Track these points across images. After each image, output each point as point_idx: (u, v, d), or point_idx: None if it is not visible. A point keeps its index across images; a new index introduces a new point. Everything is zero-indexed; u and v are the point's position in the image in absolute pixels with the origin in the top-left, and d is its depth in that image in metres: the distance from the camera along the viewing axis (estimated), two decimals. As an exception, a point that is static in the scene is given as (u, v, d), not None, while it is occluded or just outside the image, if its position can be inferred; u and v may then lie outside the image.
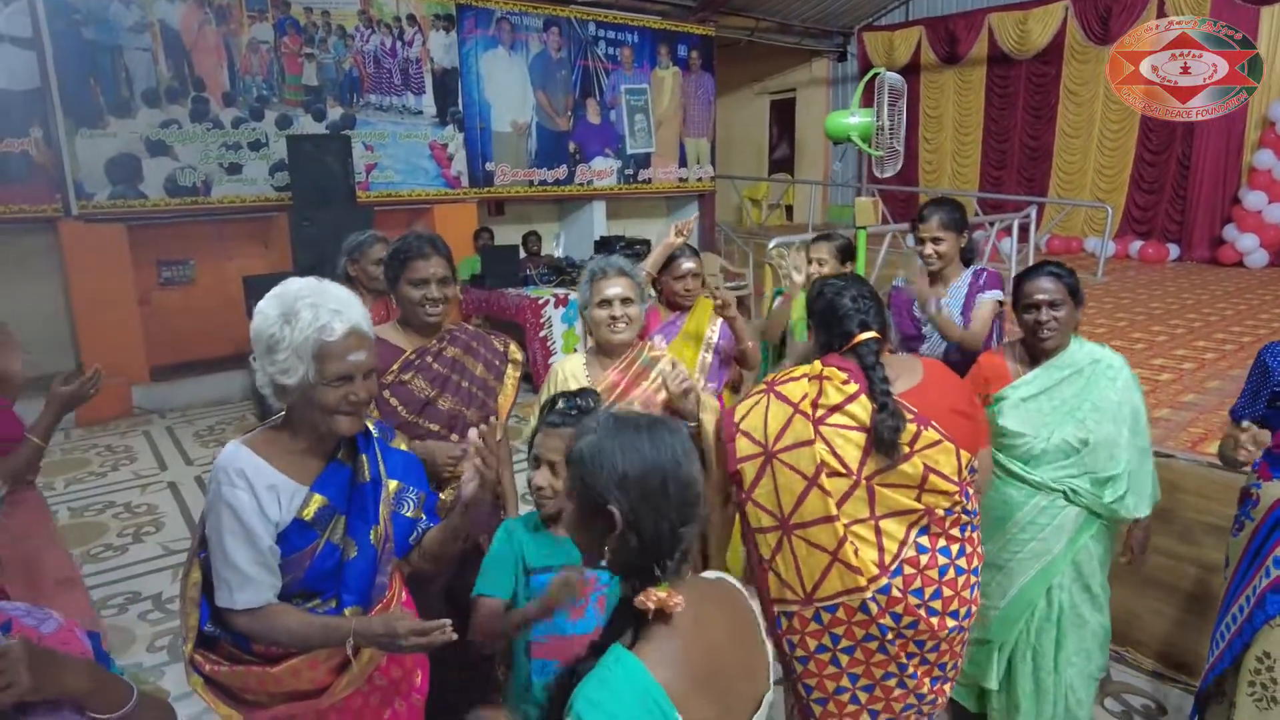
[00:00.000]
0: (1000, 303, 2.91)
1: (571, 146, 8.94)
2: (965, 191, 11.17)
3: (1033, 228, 7.96)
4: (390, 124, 7.64)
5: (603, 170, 9.27)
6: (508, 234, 8.52)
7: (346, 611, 1.53)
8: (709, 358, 2.84)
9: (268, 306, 1.42)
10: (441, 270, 2.16)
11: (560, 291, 6.65)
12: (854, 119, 4.30)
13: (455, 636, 1.37)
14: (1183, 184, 9.55)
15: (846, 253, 3.30)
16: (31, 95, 5.88)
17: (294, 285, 1.45)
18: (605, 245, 7.92)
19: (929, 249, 2.93)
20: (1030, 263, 7.67)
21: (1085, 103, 10.23)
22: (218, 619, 1.47)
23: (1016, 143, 10.95)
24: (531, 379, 6.58)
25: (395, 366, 2.13)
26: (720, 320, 2.95)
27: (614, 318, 2.21)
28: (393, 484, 1.61)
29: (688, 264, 2.89)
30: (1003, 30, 10.66)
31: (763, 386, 1.88)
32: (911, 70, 11.83)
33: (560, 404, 1.81)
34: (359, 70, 7.43)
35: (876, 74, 4.27)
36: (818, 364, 1.83)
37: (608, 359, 2.27)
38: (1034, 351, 2.31)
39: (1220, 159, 9.18)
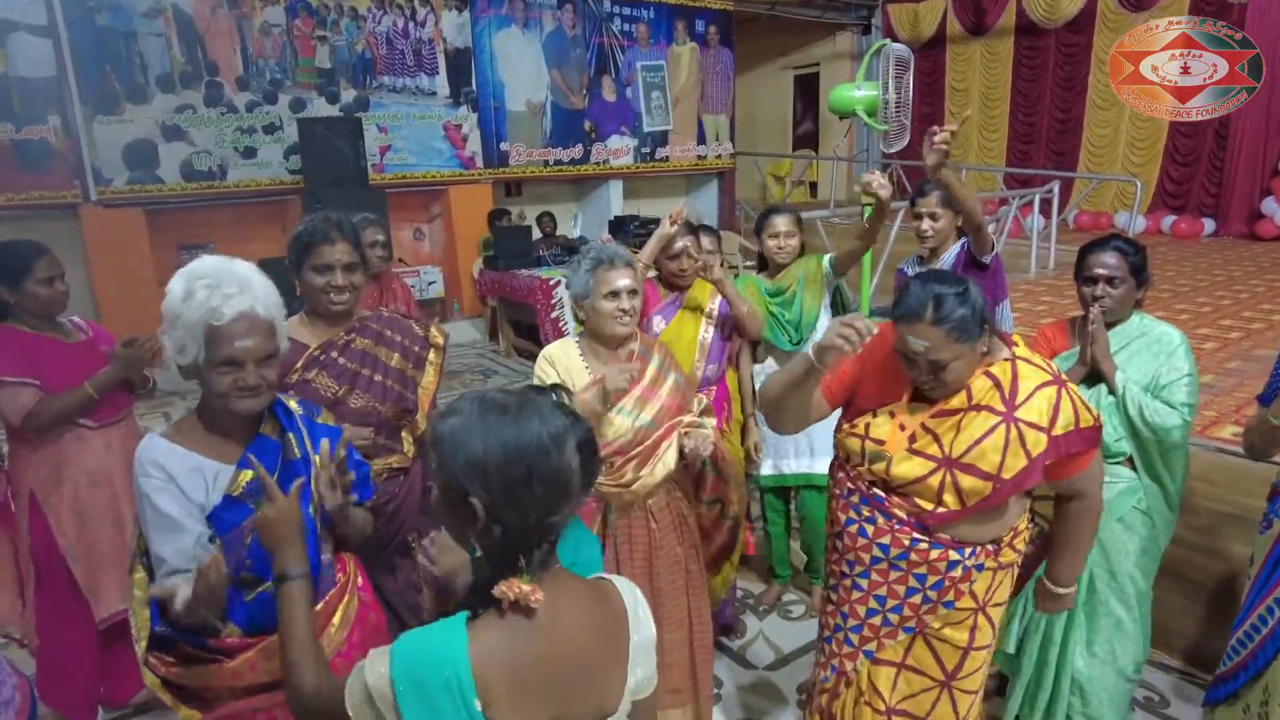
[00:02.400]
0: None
1: (587, 125, 8.87)
2: (992, 167, 10.92)
3: (1055, 203, 7.74)
4: (404, 105, 7.63)
5: (619, 149, 9.19)
6: (525, 215, 8.50)
7: None
8: (709, 336, 2.83)
9: (176, 282, 1.41)
10: (347, 256, 2.05)
11: (572, 272, 6.62)
12: (859, 92, 4.17)
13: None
14: (1219, 156, 9.23)
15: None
16: (49, 83, 5.96)
17: (202, 263, 1.43)
18: (619, 225, 7.87)
19: (925, 225, 2.90)
20: (1054, 239, 7.59)
21: (1118, 73, 9.90)
22: (168, 616, 1.46)
23: (1045, 116, 10.64)
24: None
25: (299, 364, 2.03)
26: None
27: (622, 310, 2.12)
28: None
29: (680, 242, 2.83)
30: (1032, -1, 10.35)
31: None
32: (937, 43, 11.56)
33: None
34: (371, 52, 7.42)
35: (881, 46, 4.15)
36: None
37: (604, 350, 2.20)
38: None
39: (1260, 130, 8.83)
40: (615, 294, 2.11)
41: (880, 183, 2.77)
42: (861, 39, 12.44)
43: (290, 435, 1.54)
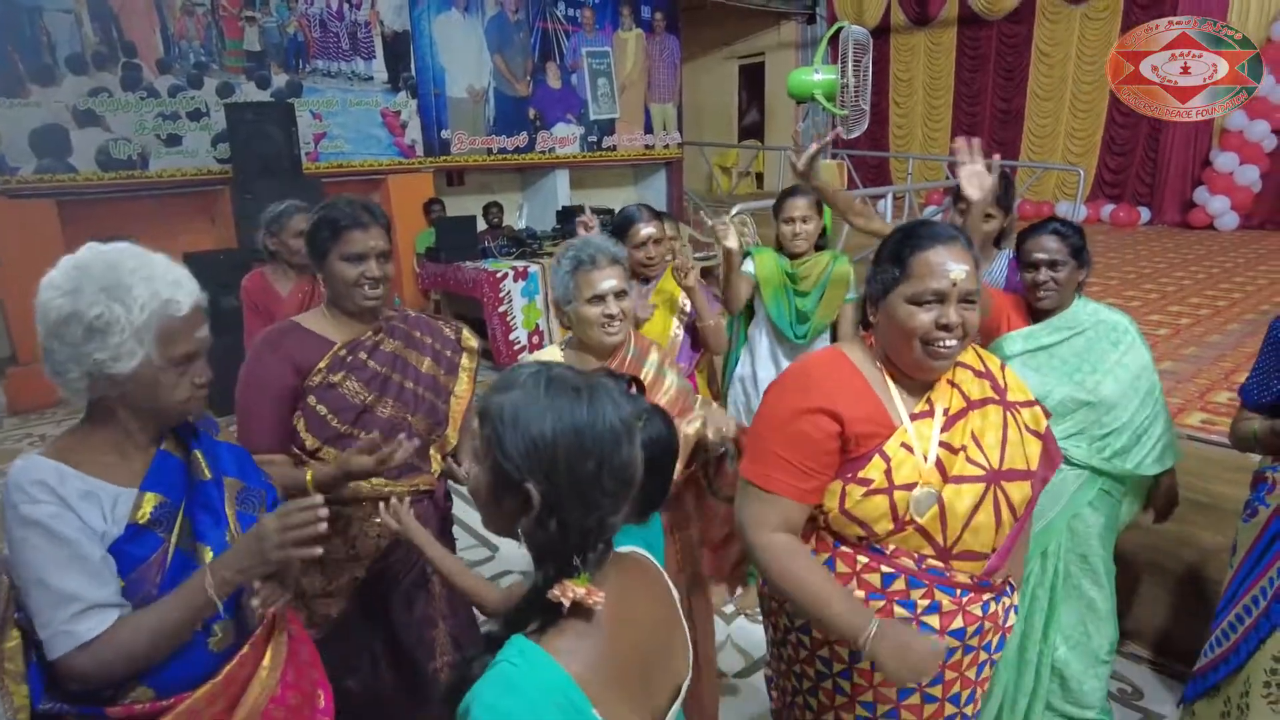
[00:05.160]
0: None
1: (532, 113, 8.62)
2: (937, 156, 11.01)
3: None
4: (339, 91, 7.28)
5: (565, 137, 8.96)
6: (468, 205, 8.21)
7: (216, 628, 1.29)
8: (680, 334, 2.57)
9: (73, 282, 1.17)
10: (382, 243, 1.81)
11: (520, 264, 6.40)
12: (817, 75, 4.09)
13: (325, 514, 1.20)
14: (1154, 147, 9.45)
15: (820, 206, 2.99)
16: (-56, 62, 5.49)
17: (109, 255, 1.20)
18: (567, 216, 7.65)
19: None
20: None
21: (1057, 64, 10.06)
22: (56, 685, 1.20)
23: (988, 106, 10.77)
24: (492, 357, 6.36)
25: (323, 364, 1.78)
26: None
27: (610, 316, 1.83)
28: (233, 481, 1.38)
29: (646, 228, 2.58)
30: (974, -11, 10.43)
31: None
32: (881, 32, 11.58)
33: None
34: (304, 34, 7.05)
35: (840, 28, 4.05)
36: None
37: (594, 360, 1.91)
38: (1034, 310, 2.22)
39: (1190, 121, 9.06)
40: (600, 298, 1.82)
41: (724, 230, 2.59)
42: (806, 28, 12.41)
43: (197, 453, 1.33)
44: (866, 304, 1.37)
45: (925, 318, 1.28)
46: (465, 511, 4.00)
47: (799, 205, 2.78)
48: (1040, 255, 2.13)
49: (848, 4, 11.68)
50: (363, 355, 1.85)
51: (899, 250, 1.32)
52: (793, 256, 2.85)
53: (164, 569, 1.23)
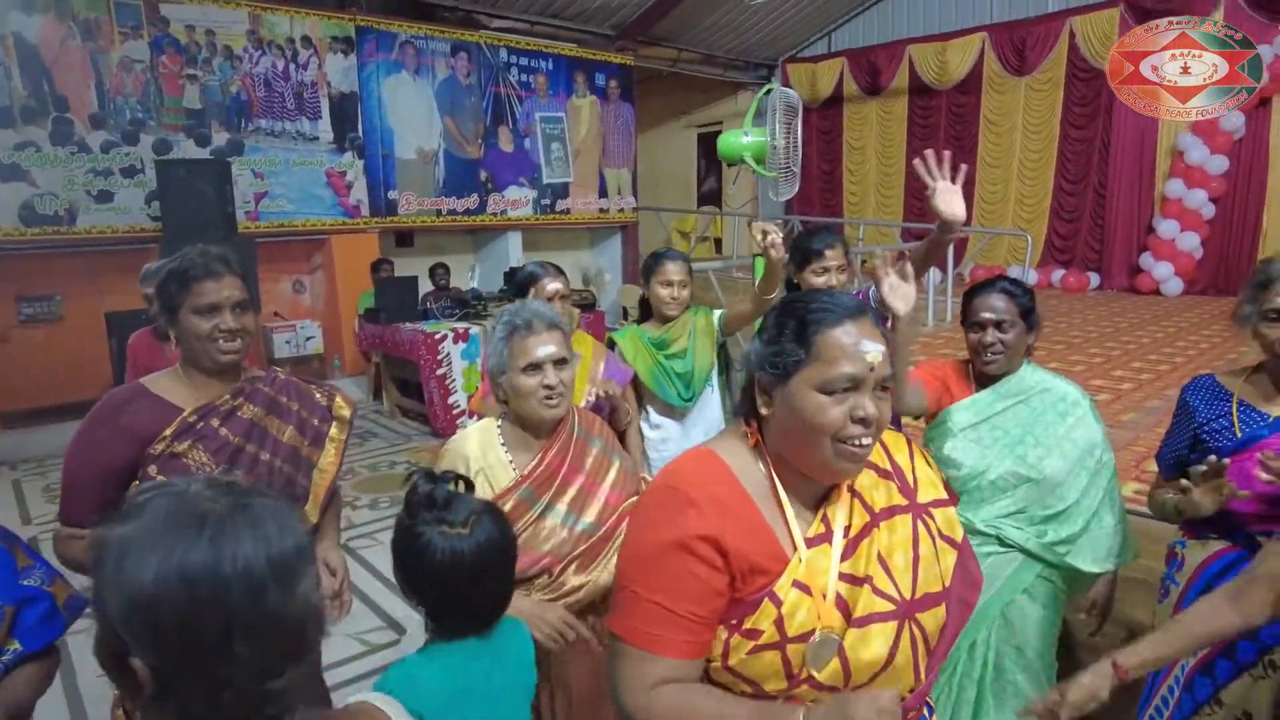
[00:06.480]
0: None
1: (483, 175, 8.58)
2: (890, 222, 11.14)
3: (950, 257, 7.84)
4: (283, 150, 7.18)
5: (518, 200, 8.91)
6: (417, 266, 8.06)
7: None
8: (591, 399, 2.41)
9: None
10: (238, 293, 1.67)
11: (461, 326, 6.24)
12: (747, 138, 4.03)
13: None
14: (1100, 213, 9.63)
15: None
16: None
17: None
18: (513, 276, 7.52)
19: (833, 279, 2.53)
20: (950, 292, 7.66)
21: (1005, 133, 10.30)
22: None
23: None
24: (430, 422, 6.14)
25: (168, 432, 1.63)
26: (605, 356, 2.63)
27: (549, 387, 1.66)
28: None
29: (552, 284, 2.50)
30: (923, 61, 10.71)
31: None
32: (835, 101, 11.85)
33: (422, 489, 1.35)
34: (248, 93, 6.97)
35: (769, 91, 4.02)
36: None
37: (534, 436, 1.73)
38: (979, 375, 2.08)
39: (1134, 188, 9.27)
40: (537, 366, 1.66)
41: (774, 241, 2.40)
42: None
43: None
44: (755, 391, 1.13)
45: (837, 412, 1.04)
46: (373, 586, 3.74)
47: (675, 269, 2.70)
48: (987, 315, 2.00)
49: (802, 74, 11.94)
50: (215, 422, 1.69)
51: (801, 327, 1.08)
52: (664, 320, 2.77)
53: None
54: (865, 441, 1.06)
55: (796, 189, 4.13)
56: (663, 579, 1.05)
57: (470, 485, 1.41)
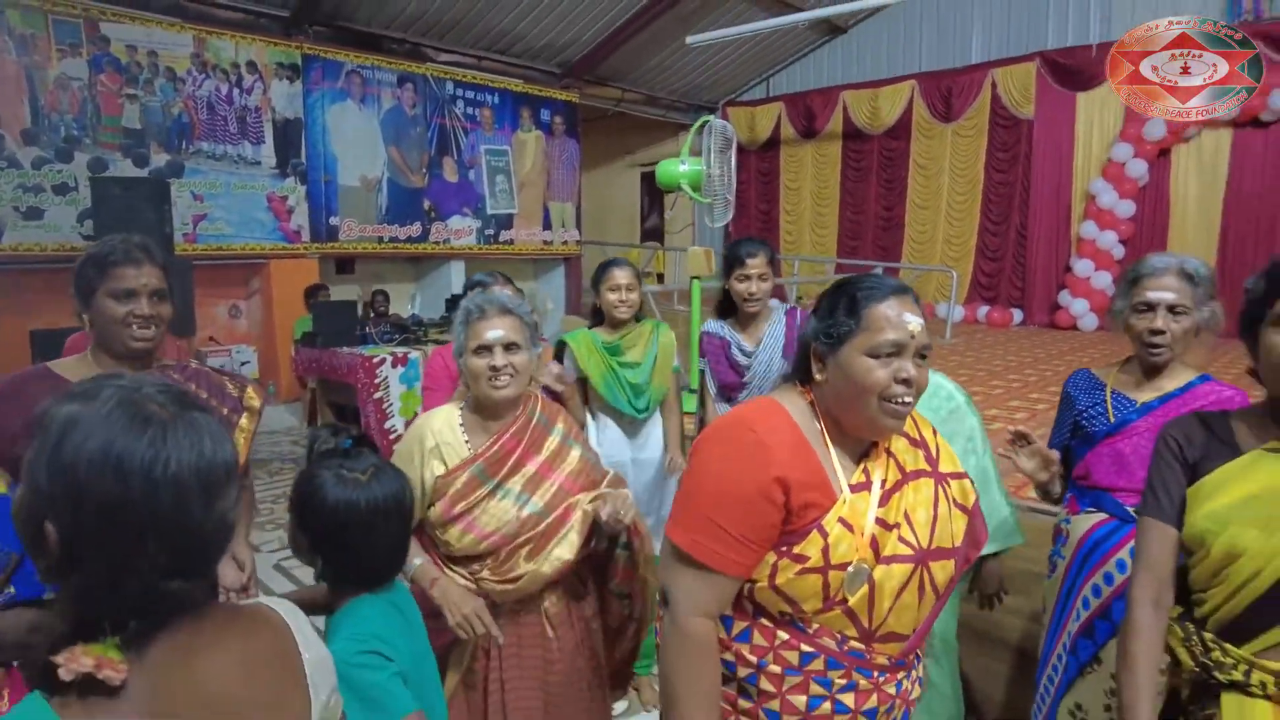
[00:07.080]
0: None
1: (427, 204, 8.64)
2: (824, 258, 11.52)
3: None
4: (224, 173, 7.14)
5: (461, 229, 8.99)
6: (357, 293, 8.06)
7: None
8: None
9: None
10: (156, 281, 1.70)
11: (400, 350, 6.23)
12: (684, 166, 4.21)
13: None
14: (1022, 253, 10.13)
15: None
16: None
17: None
18: (456, 304, 7.57)
19: (754, 286, 2.66)
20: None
21: (933, 176, 10.79)
22: None
23: (871, 213, 11.40)
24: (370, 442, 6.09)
25: None
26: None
27: (495, 369, 1.73)
28: None
29: (500, 290, 2.58)
30: (856, 107, 11.21)
31: None
32: (773, 144, 12.27)
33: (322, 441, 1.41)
34: (190, 115, 6.94)
35: (705, 122, 4.22)
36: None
37: (491, 420, 1.80)
38: None
39: (1052, 230, 9.80)
40: (487, 348, 1.74)
41: (554, 375, 2.61)
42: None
43: None
44: (811, 358, 1.29)
45: (883, 373, 1.20)
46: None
47: (623, 274, 2.80)
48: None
49: (742, 117, 12.36)
50: None
51: (852, 303, 1.25)
52: (615, 324, 2.84)
53: None
54: (907, 399, 1.22)
55: (730, 215, 4.32)
56: (732, 507, 1.22)
57: (375, 447, 1.45)
